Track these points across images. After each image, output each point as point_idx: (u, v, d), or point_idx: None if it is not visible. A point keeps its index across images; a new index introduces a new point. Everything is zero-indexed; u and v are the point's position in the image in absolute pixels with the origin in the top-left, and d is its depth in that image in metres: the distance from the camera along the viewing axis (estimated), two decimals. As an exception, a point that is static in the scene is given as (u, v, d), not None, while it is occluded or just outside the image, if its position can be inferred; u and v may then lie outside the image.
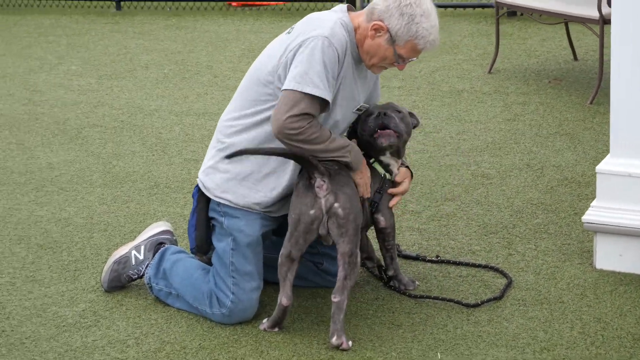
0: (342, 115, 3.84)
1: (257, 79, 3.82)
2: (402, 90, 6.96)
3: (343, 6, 3.85)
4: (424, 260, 4.29)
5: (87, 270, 4.36)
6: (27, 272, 4.38)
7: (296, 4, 10.00)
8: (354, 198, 3.70)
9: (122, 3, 10.70)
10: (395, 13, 3.69)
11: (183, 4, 10.55)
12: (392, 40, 3.70)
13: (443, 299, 3.95)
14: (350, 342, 3.63)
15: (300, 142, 3.61)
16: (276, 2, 10.12)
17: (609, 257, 4.12)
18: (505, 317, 3.83)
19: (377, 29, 3.71)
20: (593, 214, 4.13)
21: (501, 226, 4.62)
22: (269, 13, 9.91)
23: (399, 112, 3.95)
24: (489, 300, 3.93)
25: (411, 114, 4.03)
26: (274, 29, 8.93)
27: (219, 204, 3.86)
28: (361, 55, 3.79)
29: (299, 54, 3.65)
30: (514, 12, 8.93)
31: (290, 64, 3.67)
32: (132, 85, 7.47)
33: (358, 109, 3.90)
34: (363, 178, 3.81)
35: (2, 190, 5.40)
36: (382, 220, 3.98)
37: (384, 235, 4.00)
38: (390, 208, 4.00)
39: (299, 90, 3.58)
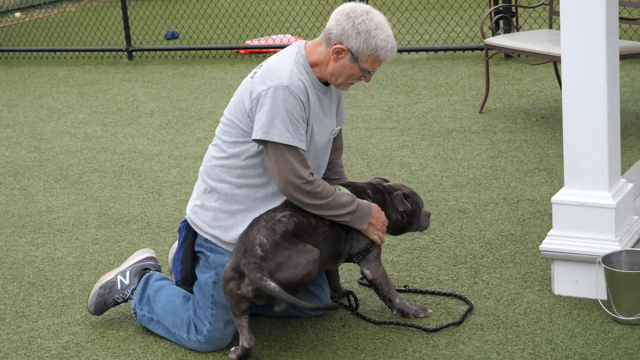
0: (321, 147, 4.08)
1: (232, 122, 4.05)
2: (394, 131, 7.19)
3: (301, 43, 4.07)
4: (392, 289, 4.49)
5: (74, 306, 4.60)
6: (17, 308, 4.63)
7: (301, 51, 10.29)
8: (285, 276, 3.80)
9: (133, 53, 11.05)
10: (352, 33, 3.93)
11: (192, 52, 10.89)
12: (354, 58, 3.94)
13: (404, 325, 4.15)
14: None
15: (305, 195, 3.86)
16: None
17: (566, 283, 4.31)
18: (463, 341, 4.02)
19: (338, 52, 3.94)
20: (550, 243, 4.32)
21: (470, 257, 4.82)
22: (274, 60, 10.20)
23: None
24: (448, 326, 4.12)
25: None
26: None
27: (206, 239, 4.08)
28: (327, 79, 4.01)
29: (261, 104, 3.88)
30: (510, 55, 9.16)
31: (256, 111, 3.91)
32: (136, 131, 7.75)
33: (333, 134, 4.14)
34: (377, 229, 4.05)
35: (2, 232, 5.67)
36: (368, 273, 4.15)
37: (375, 286, 4.18)
38: (379, 260, 4.18)
39: (269, 139, 3.82)
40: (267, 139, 3.83)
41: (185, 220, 4.15)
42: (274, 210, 3.94)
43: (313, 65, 3.99)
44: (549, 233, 4.36)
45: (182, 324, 4.08)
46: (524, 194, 5.64)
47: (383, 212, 4.09)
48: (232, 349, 4.02)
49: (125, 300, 4.32)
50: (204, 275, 4.07)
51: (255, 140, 3.89)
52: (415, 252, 4.93)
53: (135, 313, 4.26)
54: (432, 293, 4.45)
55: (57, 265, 5.11)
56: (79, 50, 11.36)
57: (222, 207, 4.02)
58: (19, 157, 7.26)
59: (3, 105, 9.23)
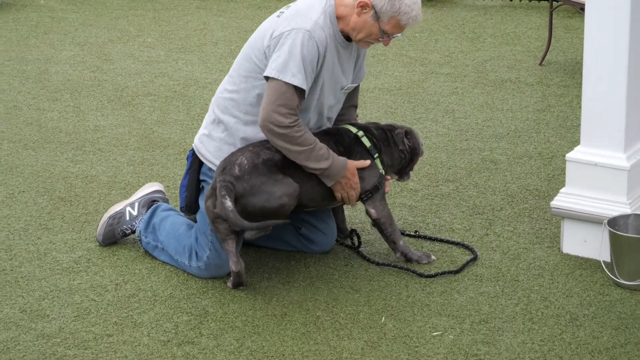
0: (329, 99, 4.12)
1: (249, 56, 4.11)
2: (449, 77, 7.16)
3: None
4: (402, 234, 4.52)
5: (94, 223, 4.74)
6: (42, 220, 4.79)
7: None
8: (257, 201, 3.90)
9: (214, -19, 11.08)
10: None
11: (271, -16, 10.89)
12: (376, 17, 3.95)
13: (403, 268, 4.20)
14: None
15: (276, 136, 3.89)
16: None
17: (574, 242, 4.30)
18: (458, 290, 4.05)
19: (362, 6, 3.96)
20: (561, 200, 4.30)
21: (489, 208, 4.82)
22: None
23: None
24: (444, 273, 4.15)
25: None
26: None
27: (209, 168, 4.17)
28: (349, 32, 4.03)
29: (281, 44, 3.93)
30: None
31: (274, 49, 3.96)
32: (197, 59, 7.85)
33: (345, 89, 4.16)
34: (344, 189, 4.05)
35: (46, 147, 5.84)
36: (373, 212, 4.21)
37: (379, 225, 4.24)
38: (384, 200, 4.23)
39: (280, 79, 3.87)
40: (280, 79, 3.87)
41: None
42: (269, 140, 4.01)
43: (339, 17, 4.03)
44: (561, 190, 4.34)
45: (184, 251, 4.19)
46: (560, 149, 5.59)
47: (357, 175, 4.08)
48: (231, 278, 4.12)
49: (133, 232, 4.44)
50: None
51: (266, 77, 3.94)
52: (435, 199, 4.95)
53: (140, 240, 4.38)
54: (441, 240, 4.47)
55: (89, 182, 5.26)
56: (162, -25, 11.45)
57: (227, 139, 4.09)
58: (80, 76, 7.42)
59: (79, 24, 9.40)
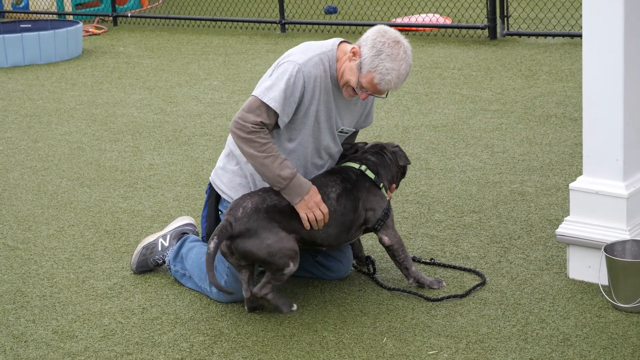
0: (330, 137, 4.38)
1: (257, 92, 4.42)
2: (496, 113, 7.36)
3: (338, 40, 4.37)
4: (418, 261, 4.75)
5: (133, 253, 5.07)
6: (85, 251, 5.15)
7: (442, 30, 10.46)
8: (248, 245, 4.11)
9: (286, 26, 11.52)
10: (369, 43, 4.20)
11: (340, 27, 11.24)
12: (359, 67, 4.20)
13: (411, 292, 4.42)
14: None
15: (242, 140, 4.16)
16: (423, 29, 10.65)
17: (579, 267, 4.46)
18: (461, 313, 4.25)
19: (354, 53, 4.23)
20: (566, 228, 4.48)
21: (507, 237, 5.01)
22: (417, 38, 10.45)
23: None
24: (450, 297, 4.36)
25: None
26: (418, 53, 9.45)
27: (224, 199, 4.48)
28: (338, 76, 4.30)
29: (275, 71, 4.24)
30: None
31: (269, 75, 4.29)
32: (257, 100, 8.19)
33: (341, 131, 4.43)
34: (308, 207, 4.21)
35: (101, 184, 6.23)
36: (386, 239, 4.44)
37: (392, 252, 4.46)
38: (394, 227, 4.47)
39: (260, 98, 4.17)
40: (261, 99, 4.16)
41: (211, 181, 4.55)
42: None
43: (338, 60, 4.28)
44: (565, 218, 4.52)
45: (206, 278, 4.48)
46: (589, 181, 5.73)
47: (319, 195, 4.25)
48: (246, 302, 4.40)
49: (165, 262, 4.75)
50: None
51: (252, 95, 4.22)
52: (457, 229, 5.16)
53: (169, 269, 4.70)
54: (453, 267, 4.68)
55: (134, 216, 5.61)
56: (237, 21, 11.93)
57: (238, 172, 4.39)
58: (144, 118, 7.84)
59: (152, 69, 9.87)
